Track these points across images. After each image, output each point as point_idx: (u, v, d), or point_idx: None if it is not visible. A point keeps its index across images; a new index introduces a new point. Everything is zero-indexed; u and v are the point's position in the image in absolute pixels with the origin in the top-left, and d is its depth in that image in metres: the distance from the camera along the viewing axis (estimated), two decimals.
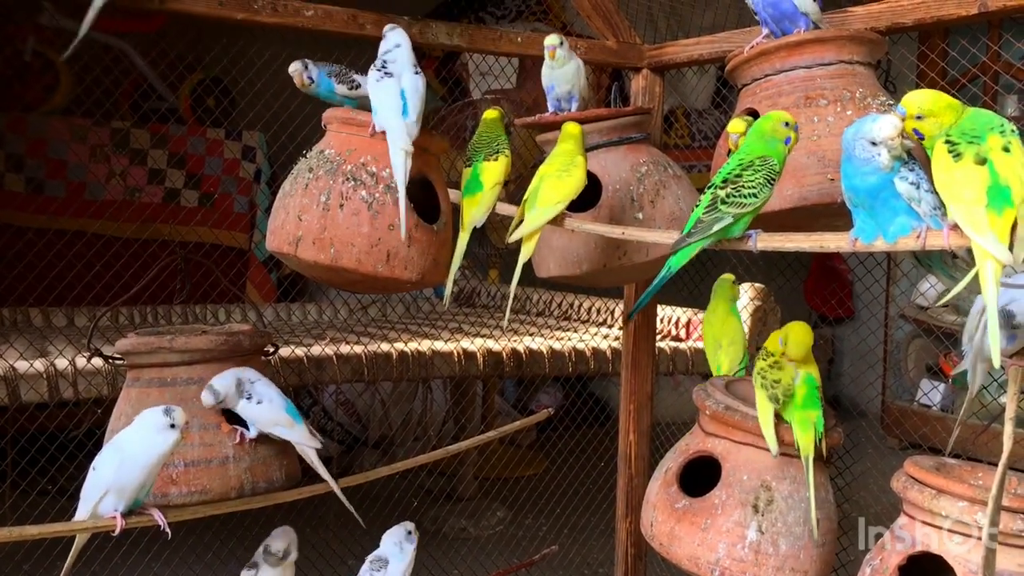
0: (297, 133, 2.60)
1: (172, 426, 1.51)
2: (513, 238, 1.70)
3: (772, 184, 1.47)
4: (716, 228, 1.47)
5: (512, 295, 1.80)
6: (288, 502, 1.77)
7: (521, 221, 1.70)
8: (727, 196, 1.46)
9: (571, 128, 1.75)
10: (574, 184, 1.69)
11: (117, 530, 1.51)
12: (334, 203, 1.64)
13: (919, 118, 1.28)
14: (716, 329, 1.98)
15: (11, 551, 2.74)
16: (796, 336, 1.68)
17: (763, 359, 1.69)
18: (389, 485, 3.02)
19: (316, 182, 1.66)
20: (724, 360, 1.96)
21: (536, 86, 1.95)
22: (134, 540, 2.70)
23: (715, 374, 1.96)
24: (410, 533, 1.93)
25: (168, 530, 1.54)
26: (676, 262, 1.52)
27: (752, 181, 1.46)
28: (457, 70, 5.13)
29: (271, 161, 4.88)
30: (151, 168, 4.66)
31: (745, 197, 1.46)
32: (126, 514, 1.52)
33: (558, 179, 1.69)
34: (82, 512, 1.52)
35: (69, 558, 1.59)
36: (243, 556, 1.86)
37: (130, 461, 1.49)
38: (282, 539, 1.85)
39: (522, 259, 1.72)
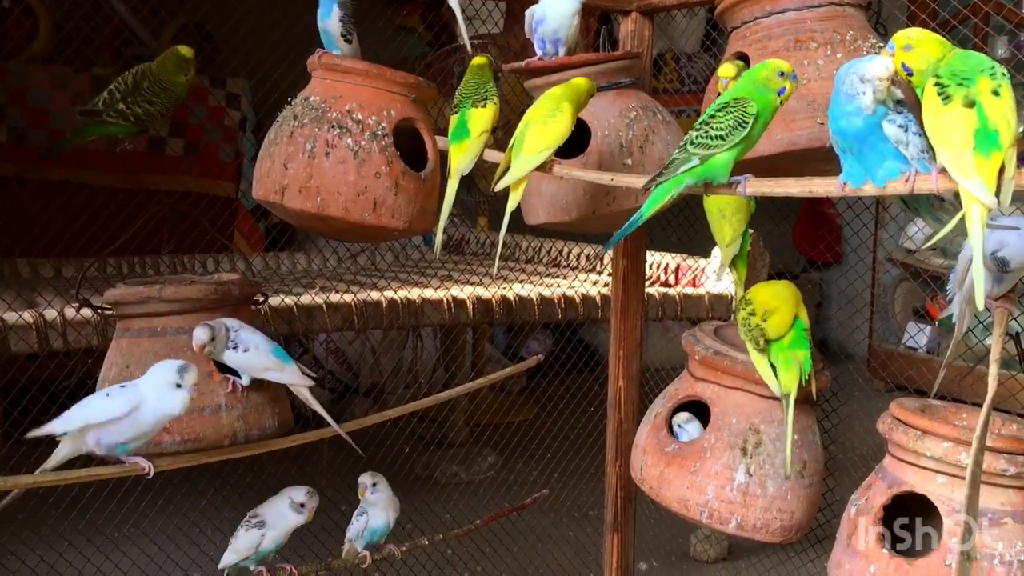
0: (282, 80, 2.57)
1: (178, 386, 1.51)
2: (499, 187, 1.69)
3: (743, 127, 1.40)
4: (682, 169, 1.42)
5: (501, 243, 1.80)
6: (281, 449, 1.79)
7: (507, 169, 1.69)
8: (696, 137, 1.42)
9: (578, 81, 1.71)
10: (560, 130, 1.66)
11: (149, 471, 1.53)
12: (320, 151, 1.63)
13: (907, 48, 1.28)
14: (721, 199, 1.87)
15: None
16: (778, 318, 1.66)
17: (744, 308, 1.70)
18: (381, 432, 3.05)
19: (301, 130, 1.65)
20: (728, 229, 1.89)
21: (524, 30, 1.92)
22: (128, 488, 2.73)
23: (720, 246, 1.92)
24: (375, 485, 1.96)
25: (151, 471, 1.55)
26: (648, 208, 1.46)
27: (721, 123, 1.41)
28: (444, 14, 5.05)
29: (256, 108, 4.82)
30: None
31: (711, 139, 1.40)
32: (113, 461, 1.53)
33: (543, 125, 1.66)
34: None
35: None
36: (237, 503, 1.88)
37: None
38: (305, 494, 1.86)
39: (510, 207, 1.70)
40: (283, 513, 1.84)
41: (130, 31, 4.80)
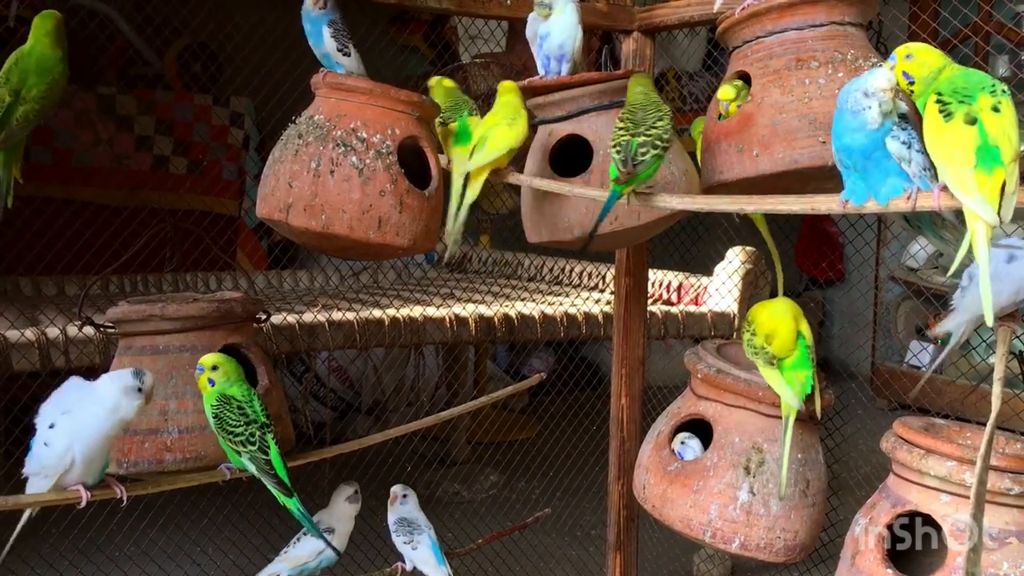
0: (285, 99, 2.58)
1: (139, 390, 1.52)
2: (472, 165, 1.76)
3: None
4: None
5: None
6: None
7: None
8: None
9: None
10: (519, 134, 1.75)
11: (82, 503, 1.55)
12: (324, 169, 1.63)
13: (908, 58, 1.31)
14: None
15: (6, 520, 2.75)
16: (781, 340, 1.67)
17: (747, 330, 1.70)
18: (383, 450, 3.04)
19: (306, 148, 1.65)
20: None
21: (526, 49, 1.92)
22: (129, 507, 2.71)
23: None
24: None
25: (125, 497, 1.57)
26: None
27: None
28: (446, 34, 5.08)
29: (259, 127, 4.84)
30: (138, 135, 4.61)
31: None
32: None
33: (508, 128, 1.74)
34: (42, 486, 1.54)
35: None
36: (238, 521, 1.87)
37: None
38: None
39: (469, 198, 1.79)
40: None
41: (135, 50, 4.82)
